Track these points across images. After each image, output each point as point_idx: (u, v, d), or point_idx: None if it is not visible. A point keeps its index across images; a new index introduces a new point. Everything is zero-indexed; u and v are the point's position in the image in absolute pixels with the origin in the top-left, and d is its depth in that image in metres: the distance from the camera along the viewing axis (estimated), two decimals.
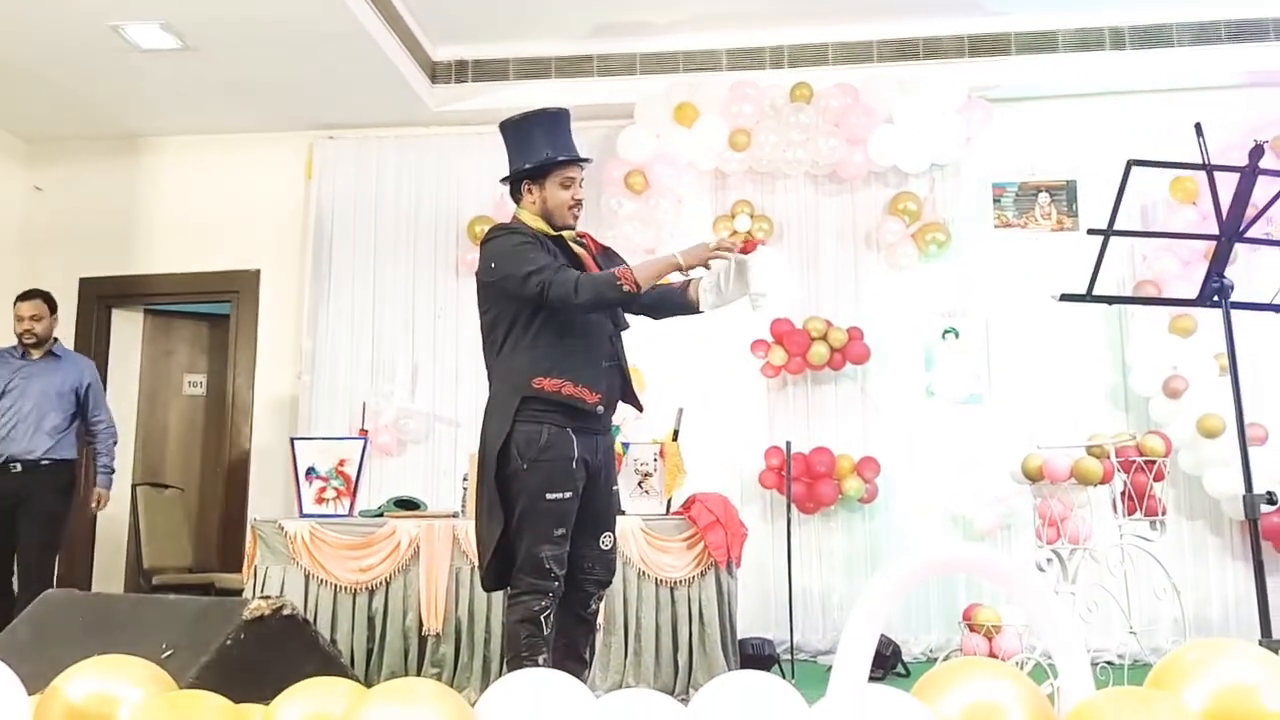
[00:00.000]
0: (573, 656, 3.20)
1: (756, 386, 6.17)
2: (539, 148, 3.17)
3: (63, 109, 6.37)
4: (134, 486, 6.45)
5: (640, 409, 3.35)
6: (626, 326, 3.34)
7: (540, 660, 3.02)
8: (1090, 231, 2.63)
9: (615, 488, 3.40)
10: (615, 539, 3.30)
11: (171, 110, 6.46)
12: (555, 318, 3.07)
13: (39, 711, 1.52)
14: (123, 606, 2.31)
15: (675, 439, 5.29)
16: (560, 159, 3.17)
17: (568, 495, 3.04)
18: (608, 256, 3.32)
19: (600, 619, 4.14)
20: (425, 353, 6.45)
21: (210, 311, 7.21)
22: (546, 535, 3.02)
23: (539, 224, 3.18)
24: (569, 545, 3.09)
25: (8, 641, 2.24)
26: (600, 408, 3.10)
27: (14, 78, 5.93)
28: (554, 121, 3.22)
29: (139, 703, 1.47)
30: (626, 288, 2.99)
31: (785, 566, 5.41)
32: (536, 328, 3.08)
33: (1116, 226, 2.99)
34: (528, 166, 3.17)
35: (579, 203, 3.22)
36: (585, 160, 3.25)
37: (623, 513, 4.15)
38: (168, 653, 1.95)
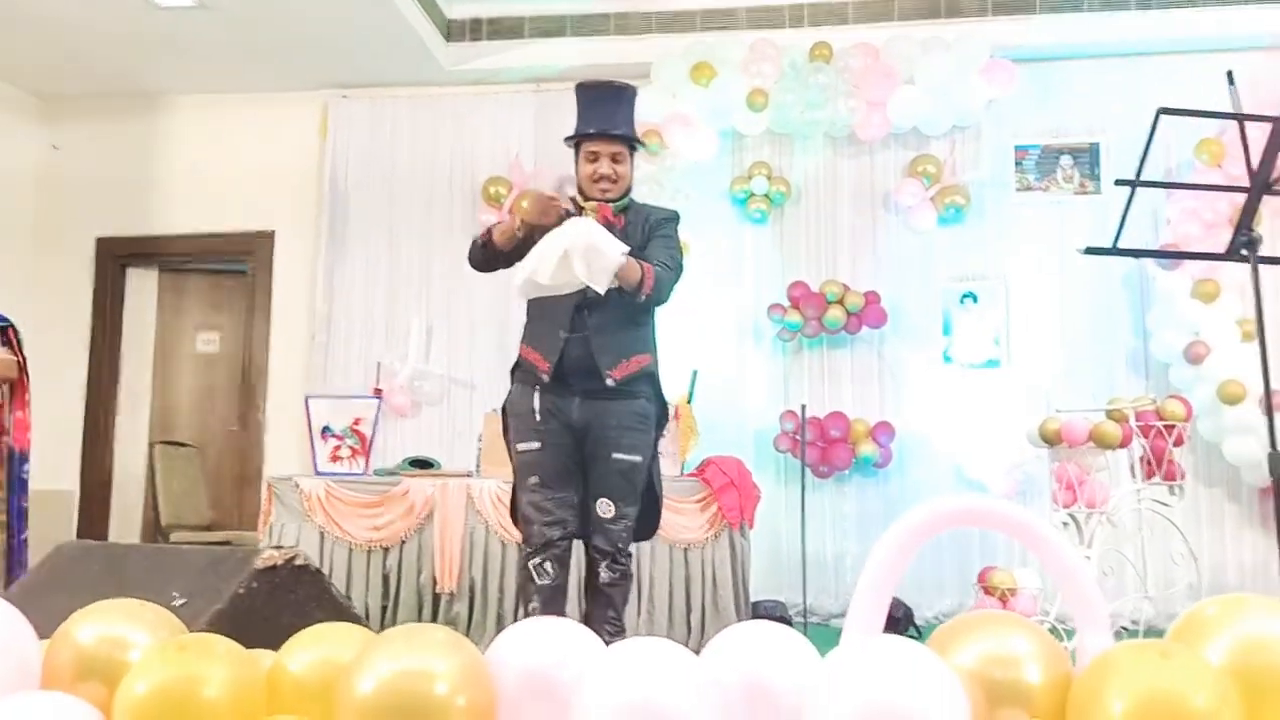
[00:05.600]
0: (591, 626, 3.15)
1: (772, 350, 6.14)
2: (577, 121, 3.32)
3: (79, 67, 6.35)
4: (151, 445, 6.49)
5: (605, 381, 3.17)
6: (598, 296, 3.08)
7: (530, 609, 3.15)
8: (1118, 182, 2.57)
9: (619, 456, 3.17)
10: (620, 510, 3.16)
11: (187, 69, 6.42)
12: None
13: (49, 655, 1.52)
14: (136, 556, 2.32)
15: (690, 401, 5.28)
16: (583, 133, 3.27)
17: (534, 446, 3.20)
18: (626, 233, 3.22)
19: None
20: (440, 314, 6.43)
21: (222, 267, 7.20)
22: (523, 485, 3.22)
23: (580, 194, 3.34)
24: (562, 497, 3.17)
25: (22, 589, 2.26)
26: (546, 376, 3.18)
27: (30, 35, 5.90)
28: (594, 94, 3.32)
29: (149, 646, 1.47)
30: (481, 240, 3.25)
31: (799, 530, 5.40)
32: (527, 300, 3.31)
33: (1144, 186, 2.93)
34: (565, 140, 3.35)
35: (604, 177, 3.25)
36: (607, 134, 3.25)
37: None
38: (180, 601, 1.95)
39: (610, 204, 3.27)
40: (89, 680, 1.46)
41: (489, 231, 3.24)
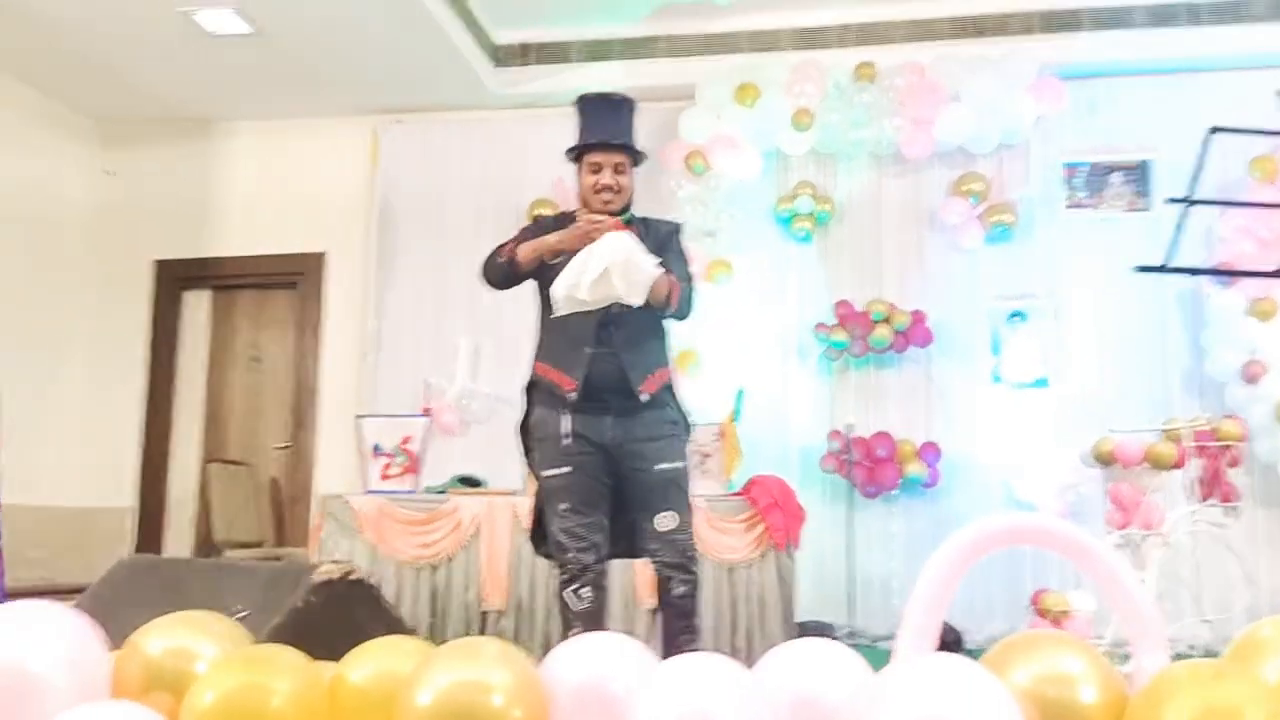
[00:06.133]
0: (669, 647, 3.08)
1: (818, 369, 6.13)
2: (578, 133, 3.25)
3: (134, 93, 6.52)
4: (204, 463, 6.62)
5: (638, 397, 3.13)
6: (622, 311, 3.05)
7: (572, 634, 2.94)
8: (1169, 200, 2.56)
9: (664, 466, 3.14)
10: (682, 519, 3.12)
11: (240, 95, 6.58)
12: (545, 304, 3.19)
13: (119, 665, 1.57)
14: (197, 570, 2.38)
15: (735, 420, 5.28)
16: (585, 144, 3.20)
17: (564, 470, 3.11)
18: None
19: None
20: (488, 335, 6.49)
21: (273, 284, 7.29)
22: (555, 511, 3.14)
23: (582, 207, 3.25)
24: (593, 521, 3.11)
25: (88, 602, 2.32)
26: (574, 395, 3.09)
27: (87, 62, 6.08)
28: (596, 106, 3.26)
29: (215, 657, 1.51)
30: (501, 259, 3.16)
31: (845, 550, 5.37)
32: (540, 314, 3.25)
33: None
34: (566, 151, 3.26)
35: (607, 188, 3.17)
36: (610, 144, 3.17)
37: None
38: (241, 614, 2.00)
39: (615, 216, 3.17)
40: (157, 690, 1.50)
41: (512, 249, 3.15)
